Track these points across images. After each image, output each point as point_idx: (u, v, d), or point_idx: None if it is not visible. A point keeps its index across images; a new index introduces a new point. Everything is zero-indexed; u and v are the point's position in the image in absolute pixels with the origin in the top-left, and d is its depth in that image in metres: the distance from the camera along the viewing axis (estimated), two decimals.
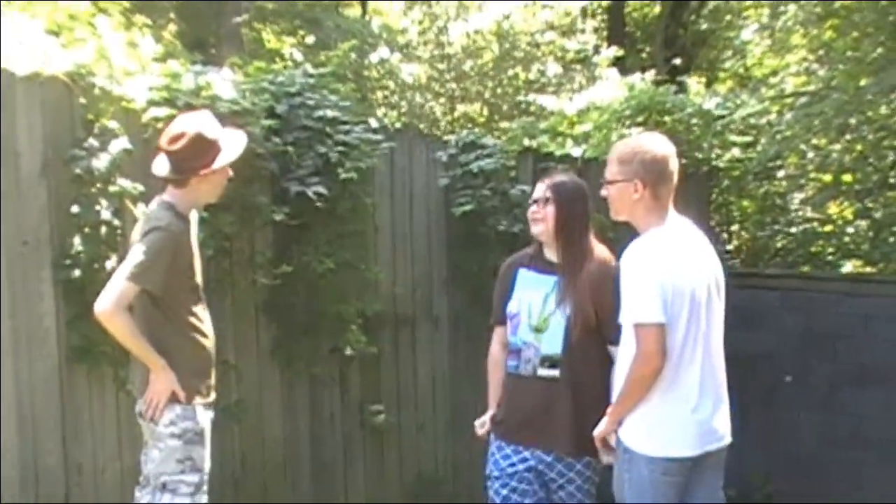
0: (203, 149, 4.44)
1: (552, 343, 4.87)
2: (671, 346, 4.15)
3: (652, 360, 4.12)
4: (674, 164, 4.33)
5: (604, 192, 4.41)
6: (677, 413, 4.24)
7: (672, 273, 4.15)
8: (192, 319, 4.55)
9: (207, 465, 4.59)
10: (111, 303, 4.27)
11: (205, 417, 4.57)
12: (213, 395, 4.68)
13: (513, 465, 5.02)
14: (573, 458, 4.89)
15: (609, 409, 4.37)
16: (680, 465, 4.25)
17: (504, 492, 5.04)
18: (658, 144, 4.33)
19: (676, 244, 4.26)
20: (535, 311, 4.93)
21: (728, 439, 4.42)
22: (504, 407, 5.05)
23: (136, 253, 4.32)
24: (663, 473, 4.23)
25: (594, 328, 4.83)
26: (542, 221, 4.92)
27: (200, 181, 4.49)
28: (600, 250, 5.00)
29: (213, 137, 4.49)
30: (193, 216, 4.67)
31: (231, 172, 4.63)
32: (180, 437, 4.48)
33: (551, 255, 4.99)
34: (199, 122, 4.51)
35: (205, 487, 4.57)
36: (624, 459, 4.31)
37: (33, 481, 4.87)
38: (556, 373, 4.85)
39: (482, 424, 5.13)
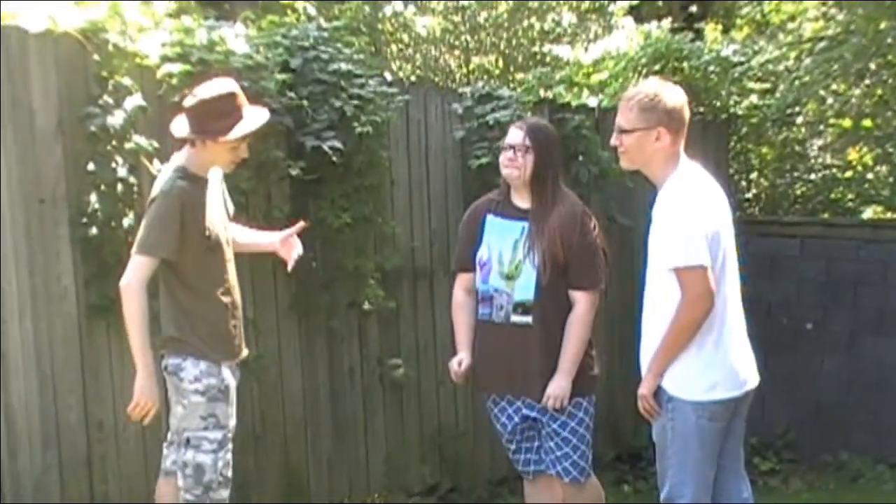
0: (220, 112, 4.42)
1: (524, 289, 4.91)
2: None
3: (703, 302, 4.11)
4: (688, 112, 4.32)
5: (615, 142, 4.35)
6: (719, 355, 4.25)
7: (709, 216, 4.17)
8: (212, 279, 4.56)
9: (232, 423, 4.61)
10: (127, 278, 4.36)
11: (229, 375, 4.59)
12: (242, 354, 4.71)
13: (510, 418, 5.08)
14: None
15: (652, 363, 4.31)
16: (724, 408, 4.27)
17: (512, 447, 5.14)
18: (676, 92, 4.31)
19: (705, 188, 4.26)
20: (505, 258, 4.95)
21: (757, 380, 4.43)
22: (477, 355, 5.06)
23: (144, 225, 4.38)
24: (710, 418, 4.23)
25: (563, 273, 4.85)
26: (518, 168, 4.91)
27: (213, 146, 4.47)
28: (568, 195, 5.02)
29: (239, 103, 4.48)
30: (215, 174, 4.66)
31: (246, 153, 4.61)
32: (204, 394, 4.49)
33: (519, 200, 5.00)
34: (223, 86, 4.49)
35: (229, 445, 4.58)
36: (668, 409, 4.30)
37: (55, 438, 4.89)
38: (528, 319, 4.90)
39: (459, 364, 5.07)
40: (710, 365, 4.22)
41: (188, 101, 4.47)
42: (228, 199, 4.83)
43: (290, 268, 4.96)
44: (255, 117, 4.55)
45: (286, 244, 4.94)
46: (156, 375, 4.44)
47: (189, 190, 4.44)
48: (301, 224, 4.99)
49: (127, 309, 4.36)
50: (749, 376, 4.37)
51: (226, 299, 4.61)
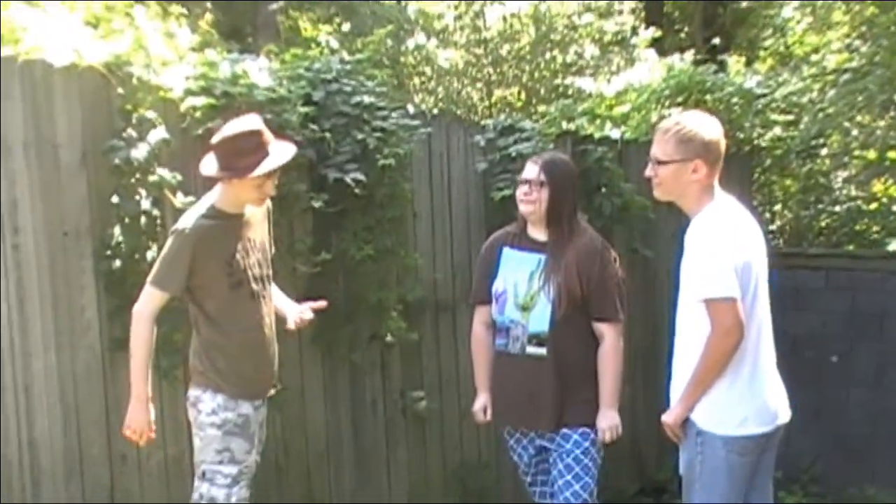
0: (251, 149, 4.43)
1: (539, 321, 4.95)
2: (744, 321, 4.12)
3: (733, 335, 4.09)
4: (724, 144, 4.31)
5: (650, 173, 4.34)
6: (750, 390, 4.23)
7: (740, 248, 4.15)
8: (235, 315, 4.56)
9: (251, 459, 4.60)
10: (138, 306, 4.43)
11: (249, 409, 4.59)
12: (269, 392, 4.73)
13: (525, 449, 5.13)
14: (568, 430, 4.91)
15: (683, 394, 4.30)
16: (755, 444, 4.25)
17: (528, 479, 5.20)
18: (713, 124, 4.30)
19: (738, 220, 4.25)
20: (521, 290, 4.99)
21: (789, 415, 4.41)
22: (494, 387, 5.11)
23: (159, 258, 4.47)
24: (740, 454, 4.21)
25: (580, 306, 4.87)
26: (533, 203, 4.94)
27: (241, 184, 4.48)
28: (586, 229, 5.05)
29: (265, 140, 4.49)
30: (258, 212, 4.69)
31: (273, 189, 4.63)
32: (220, 427, 4.49)
33: (536, 233, 5.05)
34: (255, 121, 4.52)
35: (244, 481, 4.58)
36: (697, 443, 4.27)
37: (78, 472, 4.89)
38: (543, 351, 4.93)
39: (483, 411, 5.19)
40: (741, 399, 4.20)
41: (215, 140, 4.49)
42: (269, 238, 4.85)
43: (290, 325, 4.94)
44: (280, 153, 4.55)
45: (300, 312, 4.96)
46: (146, 403, 4.48)
47: (211, 227, 4.46)
48: (323, 304, 5.02)
49: (133, 334, 4.42)
50: (780, 411, 4.35)
51: (251, 336, 4.61)
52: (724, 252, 4.09)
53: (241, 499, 4.56)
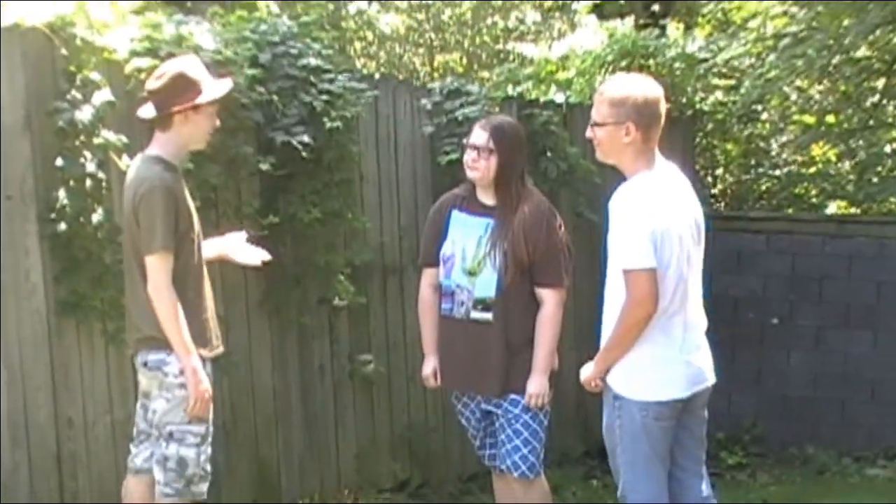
0: (184, 87, 4.41)
1: (486, 286, 4.94)
2: (662, 291, 4.12)
3: (645, 306, 4.10)
4: (663, 107, 4.29)
5: (589, 134, 4.34)
6: (666, 356, 4.24)
7: (662, 218, 4.12)
8: (194, 274, 4.52)
9: (211, 416, 4.59)
10: (153, 284, 4.31)
11: (209, 368, 4.57)
12: (220, 349, 4.69)
13: (472, 412, 5.15)
14: (516, 395, 4.93)
15: (598, 356, 4.36)
16: (671, 409, 4.26)
17: (476, 442, 5.22)
18: (649, 87, 4.27)
19: (665, 188, 4.23)
20: (468, 254, 4.98)
21: (713, 380, 4.44)
22: (440, 351, 5.12)
23: (147, 224, 4.30)
24: (655, 418, 4.23)
25: (526, 271, 4.88)
26: (481, 169, 4.94)
27: (184, 122, 4.43)
28: (533, 193, 5.05)
29: (195, 77, 4.46)
30: None
31: (217, 121, 4.60)
32: (188, 388, 4.45)
33: (485, 197, 5.03)
34: (182, 63, 4.51)
35: (209, 438, 4.57)
36: (614, 407, 4.31)
37: (24, 436, 4.85)
38: (489, 316, 4.94)
39: (433, 375, 5.19)
40: (655, 364, 4.23)
41: (151, 84, 4.44)
42: None
43: (253, 263, 4.93)
44: (216, 88, 4.55)
45: (243, 250, 4.92)
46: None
47: (174, 179, 4.41)
48: (267, 257, 4.96)
49: (162, 311, 4.31)
50: (701, 377, 4.36)
51: (207, 292, 4.60)
52: (639, 222, 4.09)
53: (207, 457, 4.56)
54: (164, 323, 4.32)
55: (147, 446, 4.62)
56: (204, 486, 4.59)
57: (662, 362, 4.24)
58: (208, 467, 4.58)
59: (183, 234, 4.39)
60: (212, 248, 4.78)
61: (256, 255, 4.92)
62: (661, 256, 4.11)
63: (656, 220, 4.10)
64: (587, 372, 4.42)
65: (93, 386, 5.07)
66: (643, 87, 4.27)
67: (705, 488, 4.53)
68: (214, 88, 4.52)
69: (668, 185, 4.27)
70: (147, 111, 4.49)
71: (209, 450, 4.57)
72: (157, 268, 4.30)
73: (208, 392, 4.44)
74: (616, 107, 4.20)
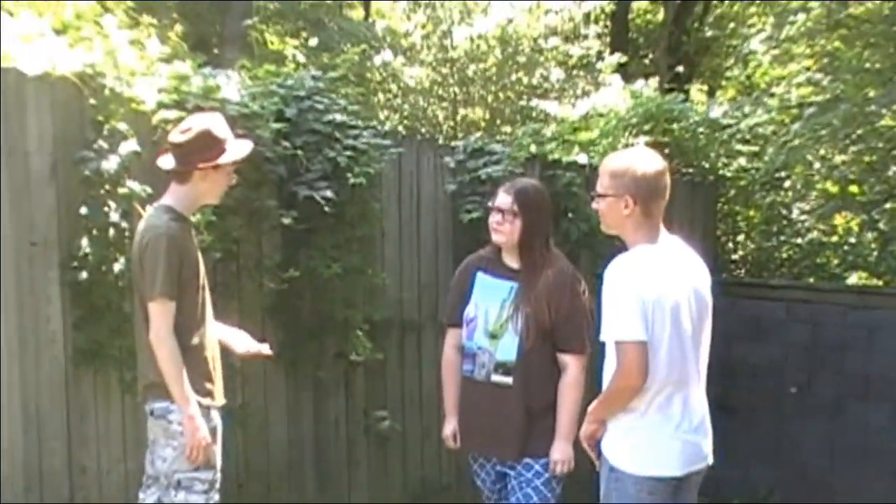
0: (208, 144, 4.46)
1: (507, 350, 4.93)
2: (655, 364, 4.07)
3: (631, 378, 4.04)
4: (665, 181, 4.25)
5: (594, 205, 4.34)
6: (663, 433, 4.19)
7: (655, 291, 4.07)
8: (201, 320, 4.54)
9: (220, 464, 4.59)
10: (153, 331, 4.34)
11: (217, 417, 4.58)
12: (222, 400, 4.67)
13: (488, 474, 5.15)
14: (530, 459, 4.91)
15: (589, 409, 4.32)
16: (665, 486, 4.21)
17: None
18: (650, 160, 4.24)
19: (662, 261, 4.18)
20: (491, 317, 4.98)
21: (710, 460, 4.39)
22: (460, 412, 5.11)
23: (150, 269, 4.34)
24: (650, 493, 4.18)
25: (548, 336, 4.87)
26: (506, 232, 4.94)
27: (202, 178, 4.48)
28: (558, 257, 5.04)
29: (220, 136, 4.52)
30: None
31: (234, 178, 4.65)
32: (185, 436, 4.45)
33: (510, 260, 5.04)
34: (209, 120, 4.55)
35: (217, 485, 4.57)
36: (611, 478, 4.26)
37: (37, 482, 4.84)
38: (509, 379, 4.93)
39: (453, 437, 5.18)
40: (652, 441, 4.18)
41: (176, 137, 4.48)
42: None
43: (239, 350, 4.94)
44: (239, 148, 4.61)
45: (245, 345, 4.95)
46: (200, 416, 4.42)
47: (181, 229, 4.46)
48: (268, 353, 5.00)
49: (162, 359, 4.34)
50: (698, 456, 4.31)
51: (213, 342, 4.62)
52: (630, 294, 4.03)
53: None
54: (163, 369, 4.35)
55: (154, 491, 4.63)
56: None
57: (658, 440, 4.19)
58: None
59: (186, 283, 4.42)
60: (218, 331, 4.83)
61: (256, 348, 4.95)
62: (653, 329, 4.06)
63: (648, 291, 4.05)
64: (582, 429, 4.40)
65: (108, 435, 5.07)
66: (644, 160, 4.24)
67: None
68: (237, 149, 4.58)
69: (667, 258, 4.22)
70: (167, 162, 4.53)
71: (217, 497, 4.58)
72: (158, 315, 4.34)
73: (205, 440, 4.43)
74: (616, 179, 4.19)
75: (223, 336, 4.84)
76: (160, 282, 4.32)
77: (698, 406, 4.31)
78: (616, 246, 6.80)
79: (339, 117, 5.78)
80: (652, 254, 4.19)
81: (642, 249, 4.19)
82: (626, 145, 7.62)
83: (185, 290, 4.44)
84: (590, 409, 4.33)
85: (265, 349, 4.99)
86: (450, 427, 5.21)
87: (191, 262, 4.47)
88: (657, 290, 4.08)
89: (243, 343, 4.92)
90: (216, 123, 4.55)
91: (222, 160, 4.48)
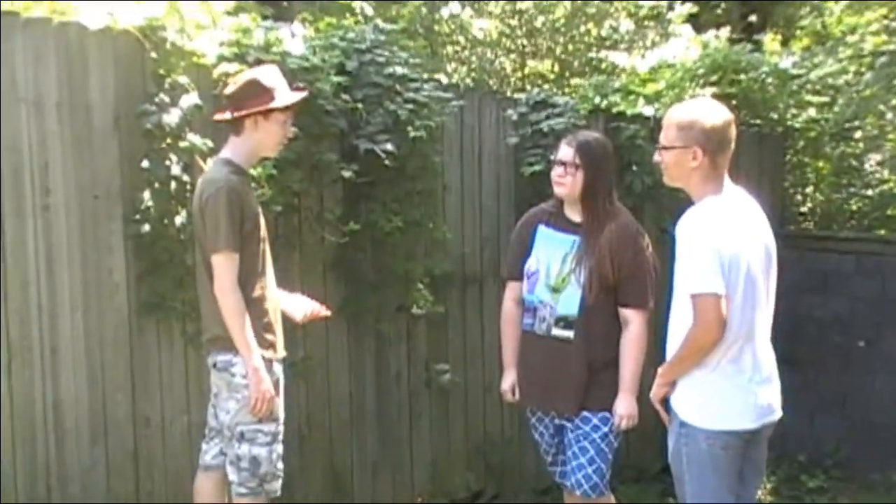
0: (256, 92, 4.54)
1: (568, 304, 4.93)
2: (730, 317, 4.07)
3: (712, 331, 4.05)
4: (732, 132, 4.25)
5: (657, 158, 4.32)
6: (735, 386, 4.19)
7: (730, 243, 4.07)
8: (261, 275, 4.60)
9: (282, 416, 4.65)
10: (218, 283, 4.43)
11: (279, 369, 4.65)
12: (283, 353, 4.72)
13: (547, 427, 5.16)
14: (589, 413, 4.90)
15: (660, 371, 4.33)
16: (738, 439, 4.21)
17: (549, 458, 5.22)
18: (717, 112, 4.23)
19: (733, 214, 4.18)
20: (553, 271, 4.97)
21: (780, 413, 4.36)
22: (520, 366, 5.11)
23: (212, 224, 4.40)
24: (722, 448, 4.18)
25: (611, 291, 4.84)
26: (568, 185, 4.91)
27: (254, 128, 4.56)
28: (621, 211, 5.01)
29: (268, 84, 4.57)
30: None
31: (292, 131, 4.71)
32: (250, 388, 4.49)
33: (572, 213, 5.02)
34: (259, 70, 4.64)
35: (280, 437, 4.64)
36: (681, 434, 4.26)
37: (102, 432, 4.91)
38: (569, 334, 4.93)
39: (511, 390, 5.19)
40: (724, 394, 4.18)
41: (227, 89, 4.59)
42: None
43: (298, 317, 5.02)
44: (289, 97, 4.66)
45: (302, 309, 5.02)
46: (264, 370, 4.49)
47: (241, 182, 4.53)
48: (326, 313, 5.12)
49: (227, 311, 4.41)
50: (769, 409, 4.30)
51: (274, 295, 4.68)
52: (708, 246, 4.03)
53: (279, 455, 4.66)
54: (228, 322, 4.42)
55: (217, 443, 4.72)
56: (277, 485, 4.69)
57: (731, 392, 4.19)
58: (281, 465, 4.68)
59: (247, 235, 4.47)
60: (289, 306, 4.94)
61: (314, 310, 5.04)
62: (728, 282, 4.06)
63: (725, 244, 4.06)
64: (653, 389, 4.39)
65: (171, 386, 5.13)
66: (711, 111, 4.23)
67: None
68: (286, 96, 4.61)
69: (738, 211, 4.22)
70: (223, 115, 4.57)
71: (281, 448, 4.66)
72: (223, 267, 4.40)
73: (269, 392, 4.49)
74: (683, 130, 4.18)
75: (283, 303, 4.88)
76: (223, 235, 4.38)
77: (767, 359, 4.30)
78: (681, 199, 6.79)
79: (399, 70, 5.75)
80: (724, 206, 4.18)
81: (713, 201, 4.17)
82: (693, 96, 7.52)
83: (247, 242, 4.49)
84: (661, 370, 4.32)
85: (324, 310, 5.04)
86: (508, 381, 5.22)
87: (251, 215, 4.52)
88: (732, 242, 4.09)
89: (301, 308, 4.97)
90: (266, 73, 4.62)
91: (270, 105, 4.52)
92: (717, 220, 4.11)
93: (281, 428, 4.66)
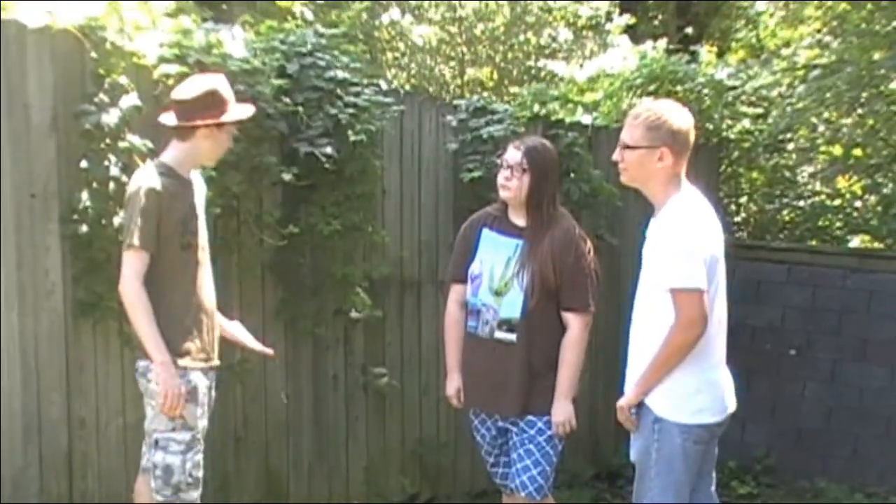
0: (213, 103, 4.52)
1: (511, 307, 4.95)
2: (709, 312, 4.16)
3: (696, 327, 4.12)
4: (693, 136, 4.32)
5: (617, 157, 4.35)
6: (706, 381, 4.28)
7: (709, 241, 4.19)
8: (183, 278, 4.56)
9: (201, 424, 4.59)
10: (123, 279, 4.39)
11: (198, 377, 4.56)
12: (213, 361, 4.70)
13: (488, 429, 5.17)
14: (533, 417, 4.94)
15: (639, 379, 4.32)
16: (709, 433, 4.31)
17: (490, 460, 5.24)
18: (684, 114, 4.31)
19: (704, 213, 4.27)
20: (496, 274, 5.00)
21: (735, 405, 4.47)
22: (463, 368, 5.14)
23: (127, 220, 4.42)
24: (695, 441, 4.25)
25: (553, 294, 4.89)
26: (514, 189, 4.95)
27: (206, 137, 4.54)
28: (564, 216, 5.06)
29: (225, 97, 4.57)
30: (196, 178, 4.71)
31: (231, 143, 4.71)
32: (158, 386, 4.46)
33: (516, 217, 5.05)
34: (215, 81, 4.61)
35: (198, 447, 4.58)
36: (653, 430, 4.29)
37: (36, 433, 4.89)
38: (512, 336, 4.95)
39: (457, 395, 5.20)
40: (699, 389, 4.25)
41: (180, 94, 4.53)
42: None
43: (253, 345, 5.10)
44: (242, 110, 4.68)
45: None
46: (172, 366, 4.43)
47: (170, 184, 4.47)
48: (271, 353, 5.19)
49: (129, 307, 4.40)
50: (731, 402, 4.41)
51: (194, 301, 4.60)
52: (694, 243, 4.12)
53: (195, 465, 4.57)
54: (131, 319, 4.41)
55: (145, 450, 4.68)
56: (194, 494, 4.61)
57: (704, 386, 4.27)
58: (198, 474, 4.60)
59: (167, 238, 4.44)
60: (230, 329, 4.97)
61: (259, 347, 5.11)
62: (709, 279, 4.15)
63: (706, 242, 4.17)
64: (626, 399, 4.39)
65: (107, 387, 5.11)
66: (679, 113, 4.30)
67: None
68: (240, 110, 4.64)
69: (706, 210, 4.30)
70: (169, 119, 4.56)
71: (198, 457, 4.58)
72: (128, 264, 4.39)
73: (176, 389, 4.41)
74: (651, 130, 4.22)
75: (227, 331, 4.90)
76: (132, 232, 4.36)
77: (724, 352, 4.41)
78: (617, 208, 6.87)
79: (340, 74, 5.77)
80: (699, 206, 4.26)
81: (684, 199, 4.25)
82: (630, 106, 7.59)
83: (166, 244, 4.46)
84: (641, 379, 4.31)
85: (269, 351, 5.12)
86: (453, 385, 5.21)
87: (175, 218, 4.48)
88: (710, 239, 4.19)
89: (250, 338, 5.03)
90: (222, 84, 4.61)
91: (225, 118, 4.53)
92: (699, 218, 4.20)
93: (198, 436, 4.58)
